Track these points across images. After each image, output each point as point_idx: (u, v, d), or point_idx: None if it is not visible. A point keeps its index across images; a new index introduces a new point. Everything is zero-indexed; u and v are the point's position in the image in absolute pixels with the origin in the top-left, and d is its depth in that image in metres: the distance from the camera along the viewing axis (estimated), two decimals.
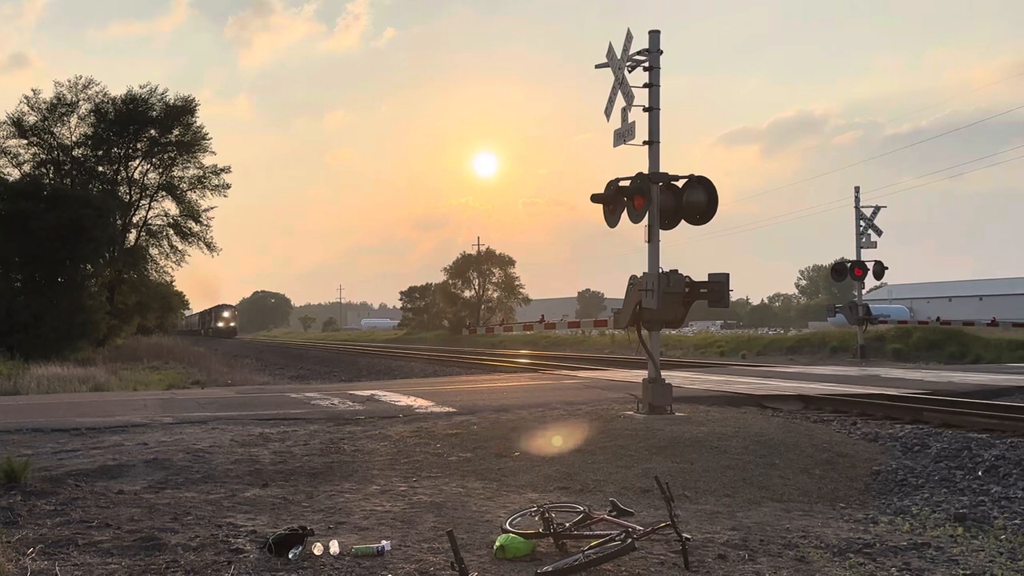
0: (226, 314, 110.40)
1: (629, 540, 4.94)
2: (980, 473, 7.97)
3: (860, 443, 9.51)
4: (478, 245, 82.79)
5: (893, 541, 5.71)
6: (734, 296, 11.40)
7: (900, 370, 21.37)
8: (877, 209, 29.56)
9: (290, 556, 5.11)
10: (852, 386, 15.31)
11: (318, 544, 5.24)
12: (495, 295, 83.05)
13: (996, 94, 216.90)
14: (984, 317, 48.66)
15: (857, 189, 29.81)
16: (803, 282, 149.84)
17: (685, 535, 5.17)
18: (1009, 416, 10.55)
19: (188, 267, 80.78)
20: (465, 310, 79.87)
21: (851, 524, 6.31)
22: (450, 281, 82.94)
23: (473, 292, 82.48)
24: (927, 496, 7.32)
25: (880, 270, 29.46)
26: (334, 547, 5.25)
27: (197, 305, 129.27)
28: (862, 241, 29.45)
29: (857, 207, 29.63)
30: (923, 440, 9.50)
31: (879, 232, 29.40)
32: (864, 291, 30.69)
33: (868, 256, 29.40)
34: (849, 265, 29.43)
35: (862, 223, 29.46)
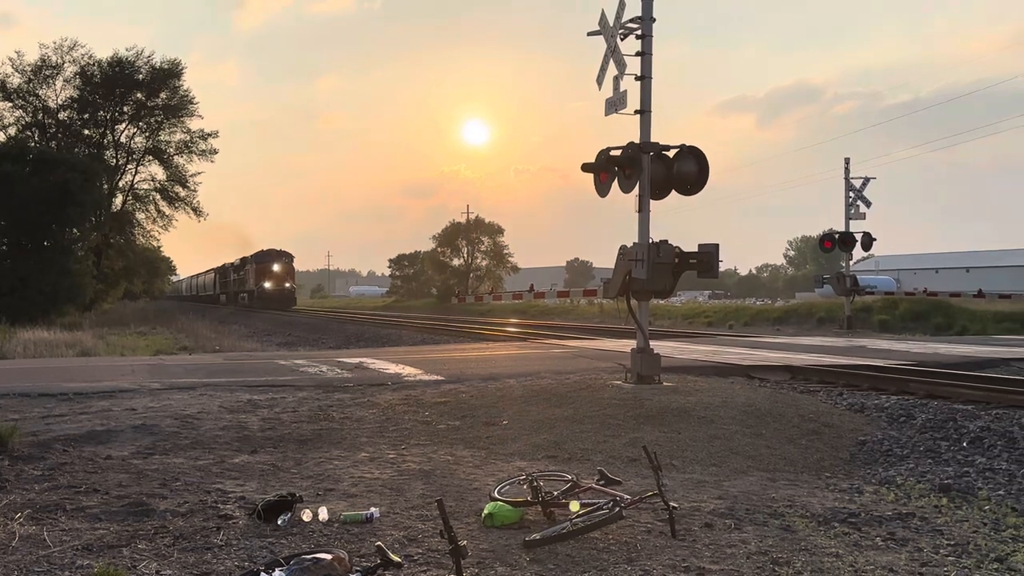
0: (277, 268, 65.05)
1: (617, 509, 4.97)
2: (965, 444, 8.03)
3: (846, 413, 9.57)
4: (467, 213, 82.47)
5: (878, 511, 5.76)
6: (723, 266, 11.40)
7: (886, 341, 21.48)
8: (867, 180, 29.63)
9: (279, 522, 5.13)
10: (838, 357, 15.38)
11: (307, 511, 5.26)
12: (484, 264, 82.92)
13: (998, 63, 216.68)
14: (971, 289, 48.87)
15: (847, 160, 29.88)
16: (791, 253, 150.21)
17: (672, 504, 5.21)
18: (994, 388, 10.62)
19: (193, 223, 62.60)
20: (454, 278, 79.76)
21: (836, 494, 6.36)
22: (439, 249, 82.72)
23: (462, 260, 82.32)
24: (912, 467, 7.37)
25: (868, 241, 29.57)
26: (323, 514, 5.26)
27: (186, 269, 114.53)
28: (851, 212, 29.52)
29: (847, 178, 29.68)
30: (908, 411, 9.56)
31: (868, 203, 29.49)
32: (852, 262, 30.80)
33: (857, 227, 29.53)
34: (837, 236, 29.52)
35: (851, 194, 29.52)
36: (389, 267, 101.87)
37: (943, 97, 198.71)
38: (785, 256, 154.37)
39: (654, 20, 10.71)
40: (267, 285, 63.78)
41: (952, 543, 5.03)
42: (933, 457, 7.70)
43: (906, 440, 8.30)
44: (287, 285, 65.29)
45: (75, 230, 41.88)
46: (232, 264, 74.72)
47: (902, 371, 12.73)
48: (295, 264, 69.41)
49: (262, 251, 66.73)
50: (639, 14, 10.69)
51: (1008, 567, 4.59)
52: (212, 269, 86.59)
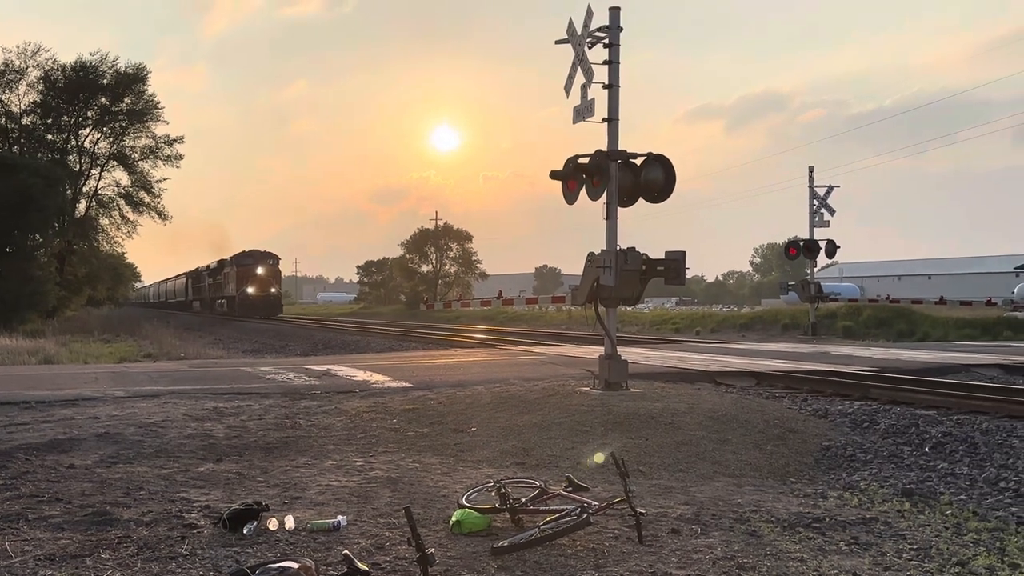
0: (261, 271, 57.60)
1: (584, 515, 4.98)
2: (927, 449, 8.14)
3: (810, 419, 9.66)
4: (436, 220, 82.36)
5: (842, 516, 5.81)
6: (689, 273, 11.47)
7: (850, 347, 21.71)
8: (831, 189, 29.94)
9: (244, 531, 5.08)
10: (803, 363, 15.52)
11: (273, 519, 5.22)
12: (453, 270, 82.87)
13: (961, 73, 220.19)
14: (933, 296, 49.61)
15: (811, 169, 30.12)
16: (757, 260, 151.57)
17: (639, 510, 5.23)
18: (955, 394, 10.78)
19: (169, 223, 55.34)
20: (422, 285, 79.54)
21: (801, 499, 6.41)
22: (407, 256, 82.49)
23: (430, 267, 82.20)
24: (875, 472, 7.46)
25: (832, 249, 29.86)
26: (289, 522, 5.22)
27: (150, 275, 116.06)
28: (815, 220, 29.81)
29: (811, 187, 29.96)
30: (872, 416, 9.66)
31: (832, 211, 29.78)
32: (816, 269, 31.09)
33: (821, 235, 29.81)
34: (802, 244, 29.80)
35: (816, 202, 29.82)
36: (357, 273, 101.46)
37: (907, 106, 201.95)
38: (751, 263, 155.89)
39: (621, 29, 10.78)
40: (250, 290, 56.41)
41: (915, 547, 5.09)
42: (896, 462, 7.79)
43: (869, 445, 8.39)
44: (272, 291, 58.14)
45: (37, 236, 41.40)
46: (207, 268, 67.50)
47: (865, 377, 12.87)
48: (280, 267, 61.67)
49: (244, 252, 58.61)
50: (607, 23, 10.75)
51: (970, 571, 4.65)
52: (184, 273, 79.94)
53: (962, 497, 6.52)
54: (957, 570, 4.66)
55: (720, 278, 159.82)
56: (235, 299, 57.05)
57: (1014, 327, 30.23)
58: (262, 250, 59.27)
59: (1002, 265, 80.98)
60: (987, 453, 7.76)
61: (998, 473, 7.15)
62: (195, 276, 73.23)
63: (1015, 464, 7.34)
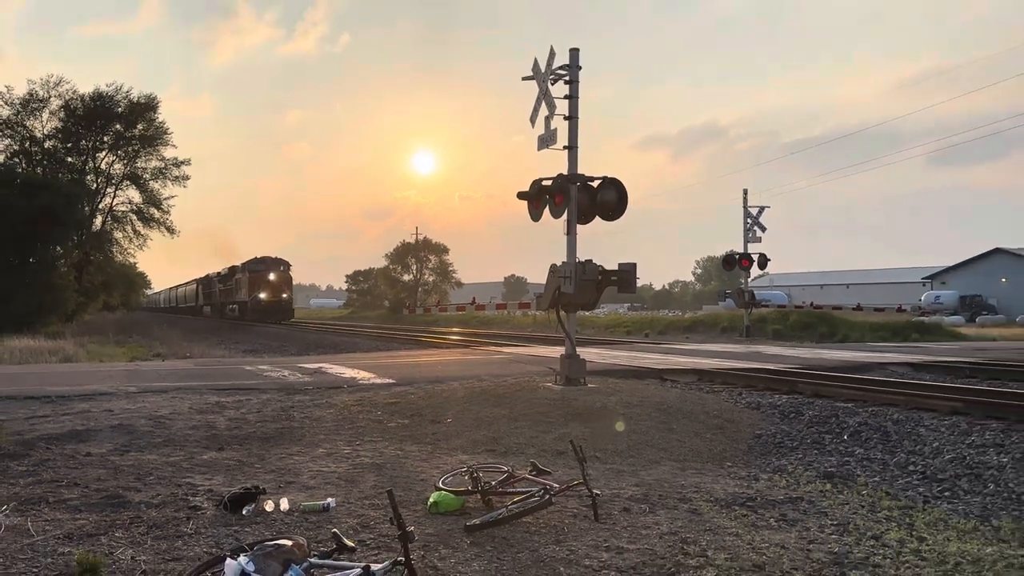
0: (273, 276, 53.25)
1: (547, 496, 4.98)
2: (846, 437, 8.21)
3: (745, 411, 9.72)
4: (416, 235, 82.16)
5: (772, 495, 5.86)
6: (640, 282, 11.52)
7: (779, 348, 21.90)
8: (762, 209, 30.22)
9: (244, 512, 5.04)
10: (739, 361, 15.63)
11: (269, 501, 5.17)
12: (431, 279, 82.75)
13: (879, 107, 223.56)
14: (851, 303, 50.23)
15: (745, 191, 30.37)
16: (699, 271, 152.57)
17: (595, 491, 5.24)
18: (870, 388, 10.89)
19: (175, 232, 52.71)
20: (404, 292, 79.26)
21: (736, 481, 6.45)
22: (391, 266, 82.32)
23: (411, 276, 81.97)
24: (801, 456, 7.52)
25: (764, 261, 30.15)
26: (284, 504, 5.18)
27: (160, 283, 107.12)
28: (749, 236, 30.08)
29: (745, 207, 30.23)
30: (798, 408, 9.73)
31: (763, 228, 30.06)
32: (750, 279, 31.33)
33: (754, 249, 30.06)
34: (737, 256, 30.05)
35: (749, 220, 30.09)
36: (346, 282, 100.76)
37: (831, 136, 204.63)
38: (693, 273, 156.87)
39: (580, 68, 10.82)
40: (262, 296, 52.24)
41: (835, 523, 5.14)
42: (819, 448, 7.86)
43: (796, 433, 8.46)
44: (284, 296, 53.76)
45: (58, 248, 40.85)
46: (218, 274, 63.38)
47: (793, 374, 12.97)
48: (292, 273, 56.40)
49: (256, 259, 54.58)
50: (567, 62, 10.79)
51: (883, 544, 4.71)
52: (195, 280, 75.48)
53: (876, 479, 6.59)
54: (872, 543, 4.71)
55: (666, 287, 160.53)
56: (247, 304, 53.15)
57: (921, 330, 30.66)
58: (273, 256, 55.18)
59: (911, 276, 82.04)
60: (898, 440, 7.85)
61: (907, 458, 7.24)
62: (206, 282, 69.42)
63: (922, 450, 7.44)
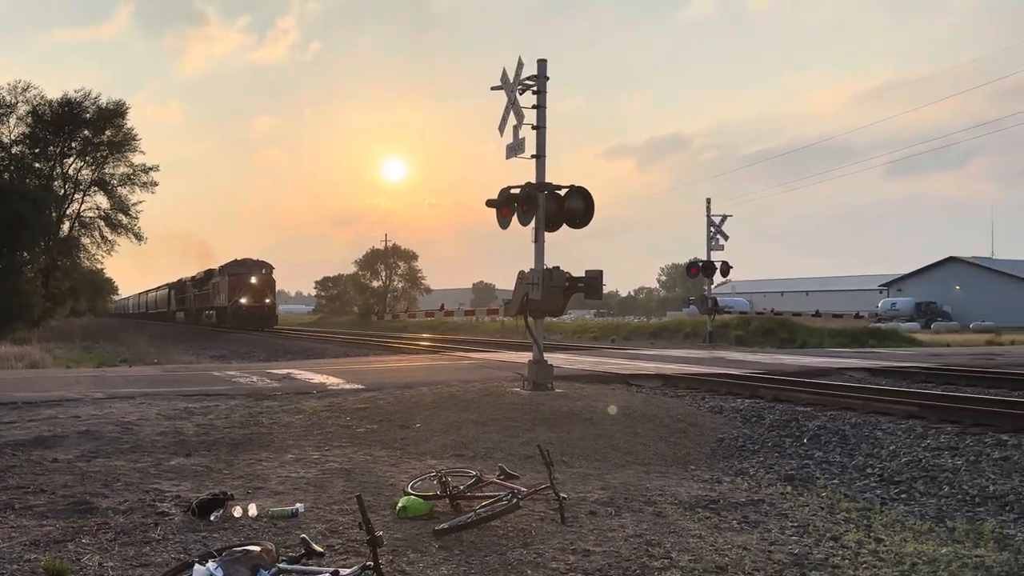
0: (255, 280, 49.17)
1: (514, 500, 4.98)
2: (805, 440, 8.30)
3: (708, 415, 9.78)
4: (385, 241, 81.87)
5: (734, 498, 5.91)
6: (606, 289, 11.58)
7: (741, 353, 22.08)
8: (725, 217, 30.52)
9: (212, 518, 4.98)
10: (702, 367, 15.73)
11: (237, 507, 5.12)
12: (400, 285, 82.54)
13: (836, 120, 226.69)
14: (810, 309, 50.83)
15: (708, 200, 30.68)
16: (663, 277, 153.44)
17: (562, 495, 5.26)
18: (829, 393, 11.00)
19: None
20: (373, 298, 78.95)
21: (700, 483, 6.50)
22: (360, 272, 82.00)
23: (381, 282, 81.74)
24: (762, 460, 7.59)
25: (726, 269, 30.47)
26: (252, 510, 5.13)
27: (128, 288, 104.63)
28: (712, 244, 30.36)
29: (708, 215, 30.51)
30: (759, 412, 9.80)
31: (726, 236, 30.36)
32: (713, 286, 31.61)
33: (717, 256, 30.37)
34: (701, 264, 30.33)
35: (712, 229, 30.38)
36: (315, 288, 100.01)
37: (790, 147, 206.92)
38: (658, 280, 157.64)
39: (547, 78, 10.86)
40: (243, 301, 47.94)
41: (796, 525, 5.20)
42: (779, 452, 7.94)
43: (757, 437, 8.53)
44: (267, 301, 49.49)
45: (25, 253, 40.12)
46: (193, 278, 59.00)
47: (754, 379, 13.07)
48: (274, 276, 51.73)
49: (236, 261, 50.24)
50: (535, 72, 10.83)
51: (842, 545, 4.77)
52: (166, 284, 70.98)
53: (835, 481, 6.68)
54: (831, 544, 4.77)
55: (632, 293, 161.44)
56: (227, 309, 48.78)
57: (878, 336, 31.15)
58: (255, 259, 50.65)
59: (869, 283, 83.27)
60: (856, 444, 7.94)
61: (865, 461, 7.34)
62: (179, 287, 64.72)
63: (879, 453, 7.54)
